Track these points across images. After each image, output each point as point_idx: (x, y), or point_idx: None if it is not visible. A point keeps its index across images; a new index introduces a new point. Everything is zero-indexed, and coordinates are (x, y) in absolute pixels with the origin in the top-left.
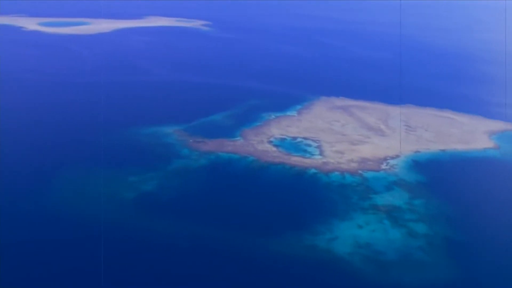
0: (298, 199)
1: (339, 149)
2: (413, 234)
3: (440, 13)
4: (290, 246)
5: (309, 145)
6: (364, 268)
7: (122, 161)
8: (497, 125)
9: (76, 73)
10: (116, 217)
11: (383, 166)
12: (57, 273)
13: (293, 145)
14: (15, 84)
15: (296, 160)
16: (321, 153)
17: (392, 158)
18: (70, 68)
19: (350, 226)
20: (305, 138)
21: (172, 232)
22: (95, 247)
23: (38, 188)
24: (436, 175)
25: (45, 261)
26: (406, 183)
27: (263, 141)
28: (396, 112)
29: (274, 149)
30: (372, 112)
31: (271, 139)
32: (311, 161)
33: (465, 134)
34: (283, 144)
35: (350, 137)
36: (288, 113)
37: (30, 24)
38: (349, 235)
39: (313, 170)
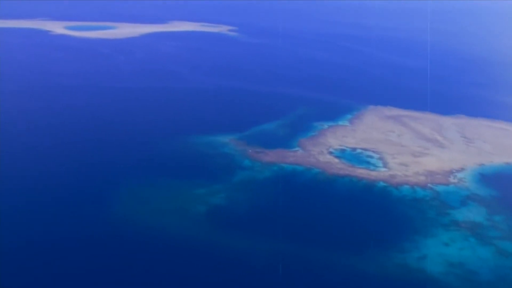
0: (373, 214)
1: (402, 161)
2: (503, 253)
3: (463, 17)
4: (380, 265)
5: (371, 157)
6: None
7: (184, 172)
8: None
9: (115, 78)
10: (189, 232)
11: (452, 180)
12: None
13: (355, 157)
14: (58, 90)
15: (361, 172)
16: (385, 165)
17: (458, 171)
18: (108, 73)
19: (436, 244)
20: (365, 149)
21: (250, 248)
22: (171, 263)
23: (102, 200)
24: (509, 190)
25: (117, 280)
26: (481, 198)
27: (323, 152)
28: (448, 122)
29: (336, 160)
30: (425, 122)
31: (331, 150)
32: (377, 174)
33: None
34: (344, 155)
35: (410, 149)
36: (340, 122)
37: (57, 28)
38: (438, 253)
39: (381, 183)
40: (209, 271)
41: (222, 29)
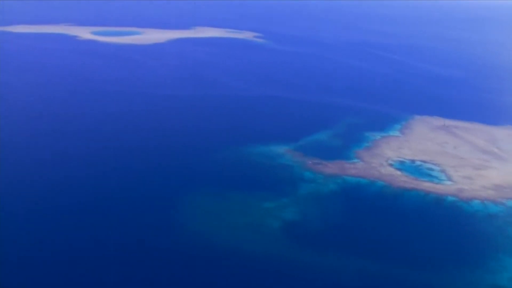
0: (448, 230)
1: (465, 174)
2: None
3: (488, 26)
4: (472, 286)
5: (432, 169)
6: None
7: (245, 183)
8: None
9: (155, 85)
10: (268, 249)
11: None
12: None
13: (416, 169)
14: (102, 97)
15: (427, 186)
16: (449, 179)
17: None
18: (146, 80)
19: None
20: (424, 162)
21: (337, 267)
22: (254, 282)
23: (170, 212)
24: None
25: None
26: None
27: (382, 164)
28: (501, 133)
29: (398, 173)
30: (477, 133)
31: (390, 161)
32: (443, 187)
33: None
34: (404, 167)
35: (469, 161)
36: (391, 133)
37: (83, 33)
38: None
39: (450, 198)
40: None
41: (247, 35)
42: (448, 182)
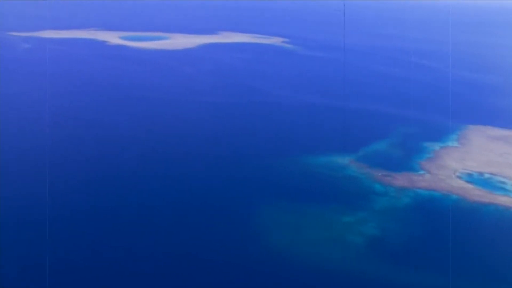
0: None
1: None
2: None
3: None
4: None
5: (504, 182)
6: None
7: (317, 196)
8: None
9: (194, 92)
10: (357, 267)
11: None
12: None
13: (486, 182)
14: (143, 103)
15: (504, 200)
16: None
17: None
18: (184, 86)
19: None
20: (493, 174)
21: (425, 286)
22: None
23: (245, 226)
24: None
25: None
26: None
27: (451, 176)
28: None
29: (470, 186)
30: None
31: (457, 174)
32: None
33: None
34: (474, 180)
35: None
36: (449, 143)
37: (111, 38)
38: None
39: None
40: None
41: (275, 40)
42: None
